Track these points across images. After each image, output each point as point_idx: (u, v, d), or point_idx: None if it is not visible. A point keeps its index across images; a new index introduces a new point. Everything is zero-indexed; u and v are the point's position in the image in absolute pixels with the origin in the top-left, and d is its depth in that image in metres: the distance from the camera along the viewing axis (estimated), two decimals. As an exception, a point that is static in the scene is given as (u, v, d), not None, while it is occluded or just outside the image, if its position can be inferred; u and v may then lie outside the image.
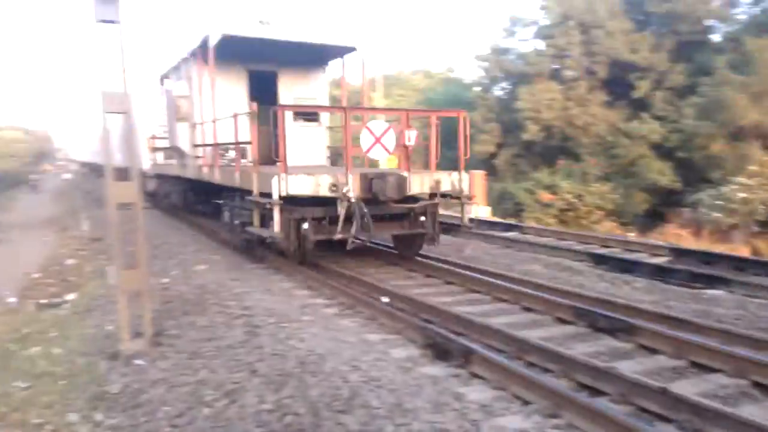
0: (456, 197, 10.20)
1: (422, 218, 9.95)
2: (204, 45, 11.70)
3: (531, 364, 5.74)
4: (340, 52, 13.31)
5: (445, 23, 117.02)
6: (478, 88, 31.35)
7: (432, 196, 9.86)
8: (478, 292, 8.50)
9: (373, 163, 12.81)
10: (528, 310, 7.64)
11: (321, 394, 4.83)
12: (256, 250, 11.15)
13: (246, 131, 10.06)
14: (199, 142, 13.05)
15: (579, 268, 10.01)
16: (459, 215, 10.58)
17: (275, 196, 8.54)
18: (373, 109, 14.00)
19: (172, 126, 14.24)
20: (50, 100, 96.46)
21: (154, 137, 15.33)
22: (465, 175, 10.23)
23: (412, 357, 5.95)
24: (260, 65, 13.48)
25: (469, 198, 10.31)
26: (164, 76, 15.84)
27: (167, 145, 15.50)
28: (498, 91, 30.14)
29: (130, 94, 6.98)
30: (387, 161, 12.90)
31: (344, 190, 8.69)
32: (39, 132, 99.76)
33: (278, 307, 7.42)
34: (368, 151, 9.46)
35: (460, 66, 78.63)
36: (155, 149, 16.48)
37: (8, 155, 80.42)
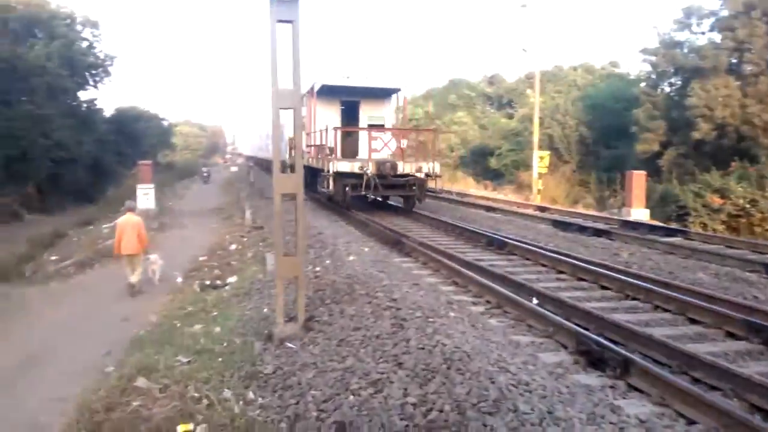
0: (430, 176, 17.10)
1: (413, 187, 17.12)
2: (311, 88, 18.35)
3: (696, 381, 5.23)
4: (392, 91, 20.38)
5: (609, 14, 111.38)
6: (643, 84, 29.48)
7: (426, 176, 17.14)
8: (636, 299, 7.92)
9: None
10: (694, 321, 7.01)
11: (467, 393, 4.69)
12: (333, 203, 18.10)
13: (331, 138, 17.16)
14: (309, 143, 19.68)
15: (752, 280, 9.04)
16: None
17: (330, 171, 16.28)
18: (388, 129, 19.80)
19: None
20: (224, 96, 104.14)
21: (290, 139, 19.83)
22: (437, 164, 17.36)
23: (564, 363, 5.65)
24: (349, 98, 20.33)
25: (438, 176, 17.41)
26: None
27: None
28: (666, 87, 28.15)
29: (299, 92, 7.28)
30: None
31: (365, 170, 15.88)
32: (213, 127, 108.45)
33: (425, 301, 7.36)
34: (382, 149, 17.27)
35: (624, 61, 74.20)
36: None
37: (184, 148, 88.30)
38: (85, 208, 29.98)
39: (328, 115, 18.82)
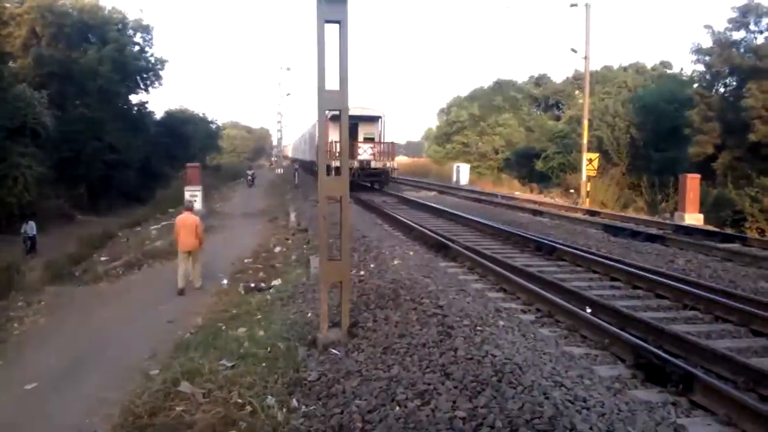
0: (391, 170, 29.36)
1: (381, 176, 28.49)
2: (326, 115, 20.74)
3: (764, 398, 4.87)
4: (378, 117, 29.27)
5: (661, 14, 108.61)
6: (696, 85, 28.49)
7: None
8: (696, 309, 7.53)
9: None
10: (758, 334, 6.60)
11: (520, 409, 4.45)
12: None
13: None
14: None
15: (822, 290, 8.52)
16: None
17: (333, 166, 16.18)
18: (368, 140, 28.90)
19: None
20: (271, 99, 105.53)
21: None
22: (395, 163, 29.65)
23: (621, 377, 5.35)
24: (351, 121, 26.58)
25: (396, 169, 30.25)
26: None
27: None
28: (721, 88, 27.13)
29: (346, 93, 7.15)
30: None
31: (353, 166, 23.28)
32: (259, 130, 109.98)
33: (472, 308, 7.13)
34: (363, 154, 27.81)
35: (677, 61, 72.06)
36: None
37: (231, 151, 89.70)
38: (134, 210, 30.62)
39: (336, 133, 24.76)
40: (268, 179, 46.86)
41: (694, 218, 19.16)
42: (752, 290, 8.40)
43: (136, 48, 40.84)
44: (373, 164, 27.39)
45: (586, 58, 24.55)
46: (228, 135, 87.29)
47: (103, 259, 16.34)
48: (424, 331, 6.61)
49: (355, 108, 24.81)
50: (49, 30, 35.11)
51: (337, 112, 7.65)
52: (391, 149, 29.00)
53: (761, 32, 25.58)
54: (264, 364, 6.85)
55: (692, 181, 19.67)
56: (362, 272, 9.91)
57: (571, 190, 28.36)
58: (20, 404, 7.24)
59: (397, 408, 5.05)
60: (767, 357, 5.93)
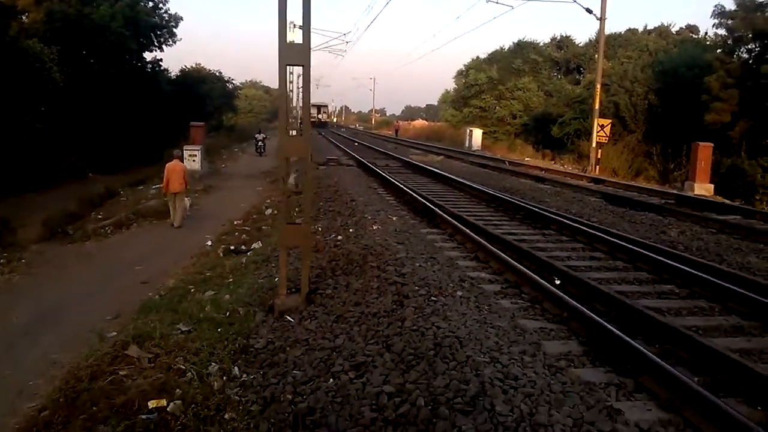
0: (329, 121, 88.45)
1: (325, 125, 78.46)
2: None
3: (718, 384, 4.54)
4: (325, 105, 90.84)
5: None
6: (719, 51, 27.34)
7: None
8: (674, 283, 7.18)
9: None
10: (732, 312, 6.24)
11: (446, 387, 4.21)
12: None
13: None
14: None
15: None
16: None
17: None
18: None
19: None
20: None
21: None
22: (332, 118, 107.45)
23: (570, 354, 5.05)
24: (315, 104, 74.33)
25: (330, 119, 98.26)
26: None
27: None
28: (744, 53, 26.00)
29: (308, 46, 6.83)
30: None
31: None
32: (276, 91, 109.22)
33: (436, 277, 6.87)
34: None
35: (705, 25, 69.15)
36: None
37: (248, 111, 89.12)
38: (145, 169, 30.60)
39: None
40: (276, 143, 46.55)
41: (704, 188, 18.59)
42: (738, 265, 8.01)
43: (150, 5, 40.35)
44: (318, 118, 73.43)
45: (601, 19, 23.64)
46: (246, 95, 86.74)
47: (99, 217, 16.29)
48: (380, 300, 6.39)
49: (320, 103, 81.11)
50: (62, -16, 34.72)
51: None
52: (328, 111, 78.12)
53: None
54: (219, 330, 6.69)
55: (704, 150, 19.06)
56: (339, 237, 9.68)
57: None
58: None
59: (331, 380, 4.86)
60: (734, 336, 5.61)
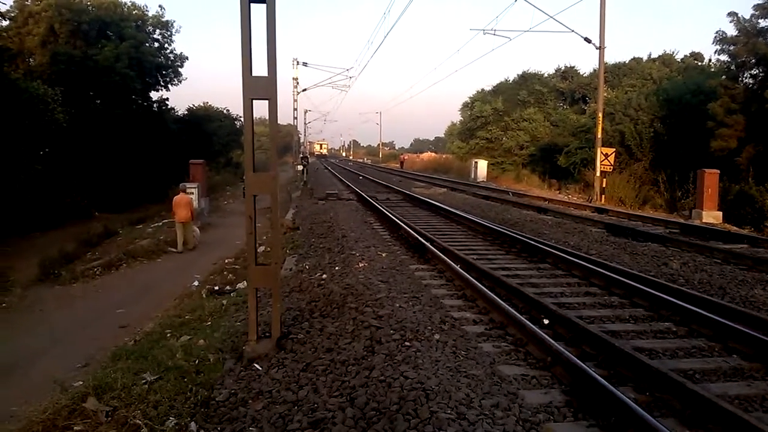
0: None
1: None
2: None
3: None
4: (325, 142, 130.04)
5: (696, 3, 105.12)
6: (724, 77, 26.97)
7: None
8: (672, 320, 6.72)
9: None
10: (733, 352, 5.77)
11: (403, 449, 3.78)
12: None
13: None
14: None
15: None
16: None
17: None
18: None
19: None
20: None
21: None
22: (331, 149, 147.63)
23: (551, 405, 4.60)
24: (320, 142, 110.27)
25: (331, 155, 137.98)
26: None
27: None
28: (748, 79, 25.61)
29: (274, 79, 6.55)
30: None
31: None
32: (287, 126, 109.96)
33: (415, 319, 6.45)
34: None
35: (709, 52, 68.91)
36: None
37: (257, 148, 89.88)
38: (152, 206, 30.48)
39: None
40: (286, 177, 46.50)
41: (712, 216, 18.08)
42: (741, 299, 7.53)
43: (156, 45, 40.79)
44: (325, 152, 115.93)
45: (600, 48, 23.41)
46: (254, 132, 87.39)
47: (92, 257, 16.03)
48: (352, 345, 5.97)
49: (321, 140, 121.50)
50: (67, 27, 35.24)
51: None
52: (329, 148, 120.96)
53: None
54: (184, 380, 6.28)
55: (710, 177, 18.60)
56: (324, 275, 9.28)
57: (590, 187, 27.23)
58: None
59: (285, 439, 4.44)
60: (734, 381, 5.13)
